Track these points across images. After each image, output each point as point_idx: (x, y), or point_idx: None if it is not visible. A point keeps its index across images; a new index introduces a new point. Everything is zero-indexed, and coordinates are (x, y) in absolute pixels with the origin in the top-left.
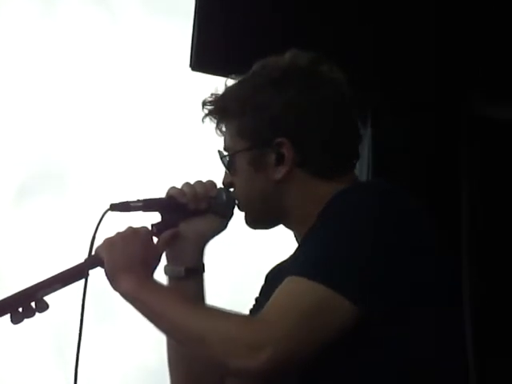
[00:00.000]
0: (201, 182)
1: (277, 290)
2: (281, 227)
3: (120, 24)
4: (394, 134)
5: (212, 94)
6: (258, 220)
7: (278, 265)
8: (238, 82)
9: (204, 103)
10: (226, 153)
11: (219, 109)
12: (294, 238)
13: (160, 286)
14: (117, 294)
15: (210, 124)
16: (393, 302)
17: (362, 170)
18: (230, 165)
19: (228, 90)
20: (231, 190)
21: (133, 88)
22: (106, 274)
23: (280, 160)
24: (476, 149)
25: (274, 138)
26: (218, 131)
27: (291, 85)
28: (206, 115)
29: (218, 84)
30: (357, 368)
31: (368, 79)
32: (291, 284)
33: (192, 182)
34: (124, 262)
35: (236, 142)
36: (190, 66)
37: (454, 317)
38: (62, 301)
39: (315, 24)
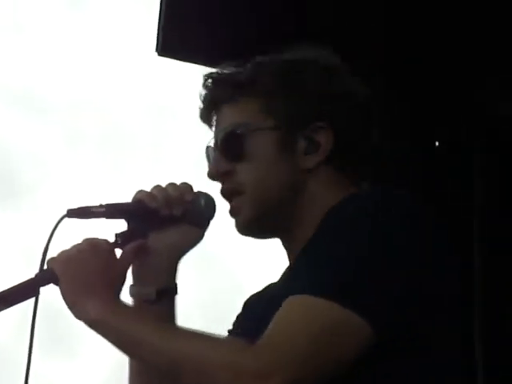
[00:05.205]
0: (174, 184)
1: (280, 311)
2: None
3: (83, 8)
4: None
5: (231, 67)
6: (259, 216)
7: (261, 291)
8: (269, 59)
9: (218, 73)
10: (239, 130)
11: (245, 80)
12: (287, 256)
13: (132, 310)
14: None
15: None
16: (410, 323)
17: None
18: (240, 145)
19: (257, 64)
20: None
21: (98, 73)
22: (64, 298)
23: (312, 148)
24: (490, 149)
25: (312, 122)
26: (226, 107)
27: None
28: (217, 86)
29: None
30: None
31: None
32: (298, 303)
33: (164, 185)
34: (84, 283)
35: (259, 118)
36: (157, 50)
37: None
38: (8, 323)
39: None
